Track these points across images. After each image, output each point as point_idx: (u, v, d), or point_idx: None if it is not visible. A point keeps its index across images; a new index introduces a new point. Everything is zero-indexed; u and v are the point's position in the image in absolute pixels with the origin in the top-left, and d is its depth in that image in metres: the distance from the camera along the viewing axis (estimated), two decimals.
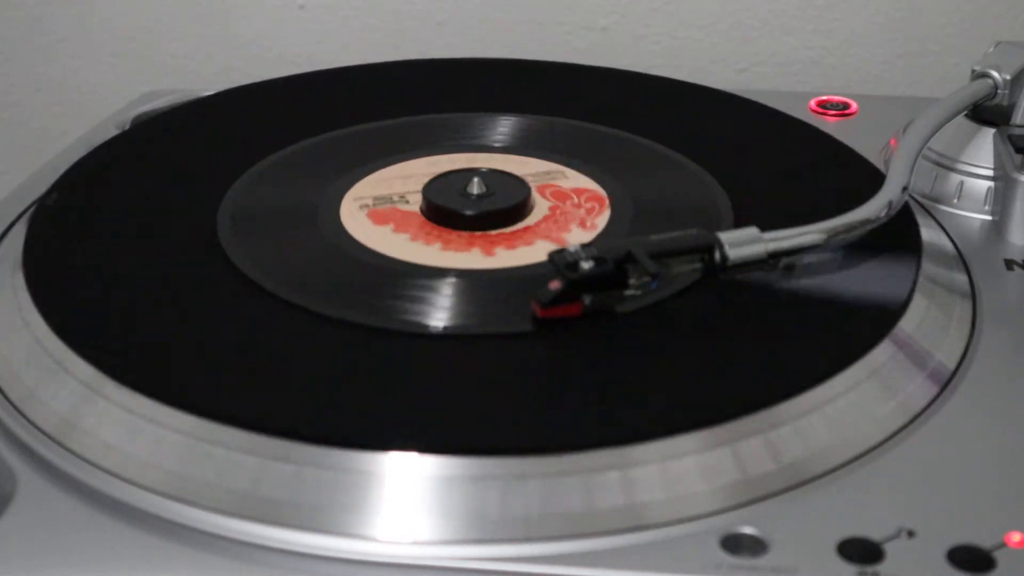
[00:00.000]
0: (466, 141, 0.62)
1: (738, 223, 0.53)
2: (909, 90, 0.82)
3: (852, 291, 0.50)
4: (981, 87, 0.60)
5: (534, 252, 0.52)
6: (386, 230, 0.54)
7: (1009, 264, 0.55)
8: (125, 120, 0.67)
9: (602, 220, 0.54)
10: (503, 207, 0.54)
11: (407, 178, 0.58)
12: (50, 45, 0.86)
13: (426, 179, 0.56)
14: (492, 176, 0.56)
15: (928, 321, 0.49)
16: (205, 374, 0.45)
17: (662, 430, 0.42)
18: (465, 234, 0.53)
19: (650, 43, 0.83)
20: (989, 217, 0.58)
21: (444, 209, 0.54)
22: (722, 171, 0.58)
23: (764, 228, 0.49)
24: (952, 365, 0.48)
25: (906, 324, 0.48)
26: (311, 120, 0.64)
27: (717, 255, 0.48)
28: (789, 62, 0.82)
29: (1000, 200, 0.58)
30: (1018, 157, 0.57)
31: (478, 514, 0.40)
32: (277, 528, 0.40)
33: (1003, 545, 0.40)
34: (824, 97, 0.70)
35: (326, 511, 0.41)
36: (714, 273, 0.49)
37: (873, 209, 0.52)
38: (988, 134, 0.60)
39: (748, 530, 0.40)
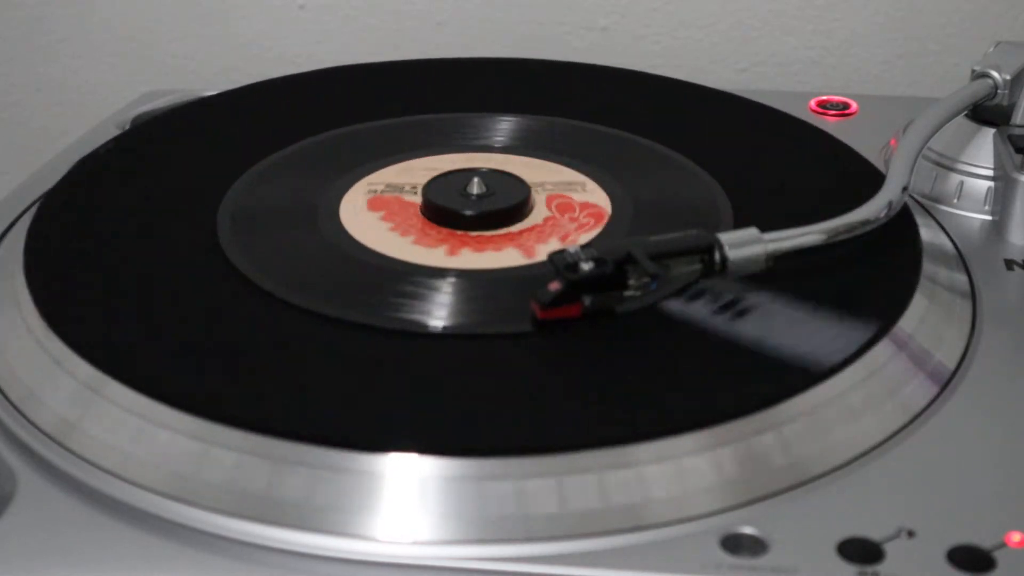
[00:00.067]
0: (466, 141, 0.62)
1: (738, 223, 0.53)
2: (909, 90, 0.82)
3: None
4: (981, 87, 0.60)
5: (500, 258, 0.52)
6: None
7: (1009, 264, 0.55)
8: (125, 120, 0.68)
9: (586, 237, 0.53)
10: (502, 207, 0.54)
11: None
12: (50, 45, 0.86)
13: (426, 179, 0.56)
14: (492, 176, 0.56)
15: (928, 321, 0.49)
16: (205, 374, 0.45)
17: (662, 430, 0.42)
18: (465, 234, 0.53)
19: (650, 43, 0.83)
20: (989, 217, 0.58)
21: (444, 209, 0.54)
22: (722, 171, 0.58)
23: (764, 228, 0.49)
24: (952, 365, 0.48)
25: (906, 324, 0.48)
26: (311, 120, 0.64)
27: (717, 256, 0.48)
28: (789, 62, 0.82)
29: (1000, 200, 0.58)
30: (1018, 157, 0.57)
31: (478, 514, 0.40)
32: (277, 528, 0.40)
33: (1003, 545, 0.40)
34: (824, 97, 0.70)
35: (326, 511, 0.41)
36: (714, 274, 0.49)
37: (873, 209, 0.52)
38: (988, 134, 0.60)
39: (748, 530, 0.40)
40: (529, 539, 0.40)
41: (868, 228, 0.51)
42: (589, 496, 0.41)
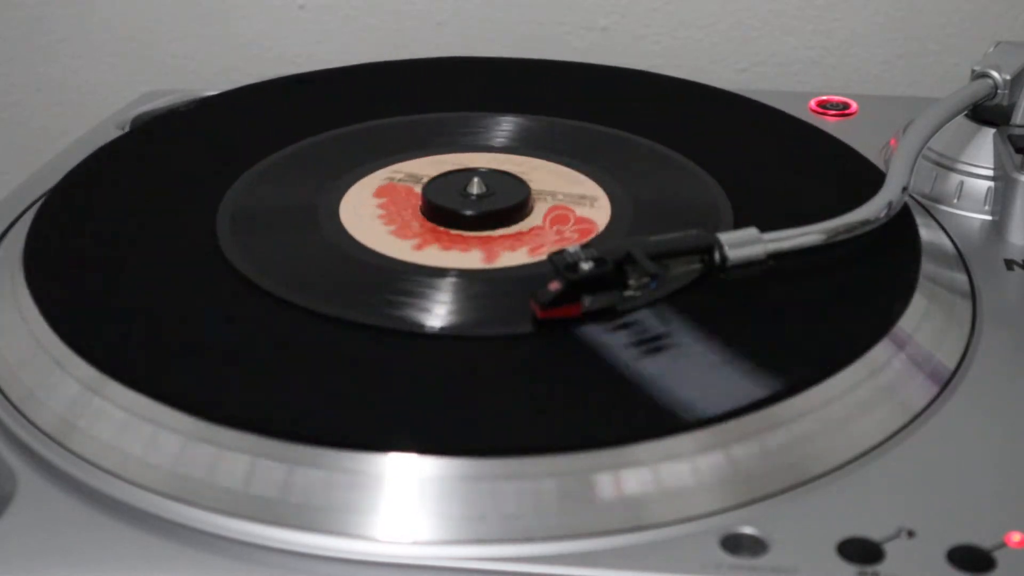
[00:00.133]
0: (466, 141, 0.62)
1: (738, 223, 0.53)
2: (909, 90, 0.82)
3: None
4: (981, 87, 0.60)
5: (469, 259, 0.51)
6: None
7: (1009, 264, 0.55)
8: (125, 120, 0.68)
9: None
10: (502, 207, 0.54)
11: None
12: (50, 45, 0.86)
13: (426, 178, 0.56)
14: (492, 176, 0.56)
15: (928, 321, 0.49)
16: (205, 374, 0.45)
17: (662, 430, 0.42)
18: (465, 234, 0.53)
19: (650, 43, 0.83)
20: (989, 217, 0.58)
21: (443, 209, 0.54)
22: (722, 171, 0.58)
23: (764, 228, 0.49)
24: (952, 365, 0.48)
25: (906, 324, 0.48)
26: (311, 120, 0.64)
27: (717, 256, 0.48)
28: (789, 62, 0.82)
29: (1000, 200, 0.58)
30: (1018, 157, 0.57)
31: (478, 514, 0.40)
32: (277, 528, 0.40)
33: (1003, 545, 0.40)
34: (824, 97, 0.70)
35: (326, 511, 0.41)
36: (714, 274, 0.49)
37: (873, 209, 0.52)
38: (988, 134, 0.60)
39: (748, 530, 0.40)
40: (529, 539, 0.40)
41: (868, 228, 0.51)
42: (589, 496, 0.41)
